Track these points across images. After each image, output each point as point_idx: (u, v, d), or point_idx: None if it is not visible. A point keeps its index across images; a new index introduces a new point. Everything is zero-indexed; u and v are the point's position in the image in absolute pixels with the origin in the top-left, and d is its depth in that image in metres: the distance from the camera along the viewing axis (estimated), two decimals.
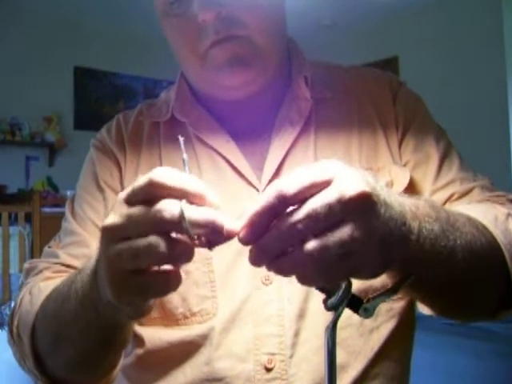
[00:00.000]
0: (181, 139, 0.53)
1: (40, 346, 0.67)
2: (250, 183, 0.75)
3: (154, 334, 0.73)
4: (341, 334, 0.69)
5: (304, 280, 0.46)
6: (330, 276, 0.45)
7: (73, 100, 5.02)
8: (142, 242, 0.45)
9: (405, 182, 0.75)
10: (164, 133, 0.83)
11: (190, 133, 0.81)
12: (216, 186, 0.75)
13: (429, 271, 0.53)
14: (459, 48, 4.46)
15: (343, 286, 0.48)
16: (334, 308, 0.49)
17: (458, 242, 0.54)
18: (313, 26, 4.83)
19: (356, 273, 0.46)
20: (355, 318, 0.50)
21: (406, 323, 0.76)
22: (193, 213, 0.44)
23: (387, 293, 0.50)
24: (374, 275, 0.47)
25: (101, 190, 0.80)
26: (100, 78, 5.17)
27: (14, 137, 4.59)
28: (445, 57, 4.54)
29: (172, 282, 0.47)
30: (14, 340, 0.72)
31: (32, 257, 3.02)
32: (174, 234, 0.45)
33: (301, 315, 0.70)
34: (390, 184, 0.75)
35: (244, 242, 0.45)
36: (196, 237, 0.45)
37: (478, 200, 0.74)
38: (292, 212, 0.44)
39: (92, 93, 5.12)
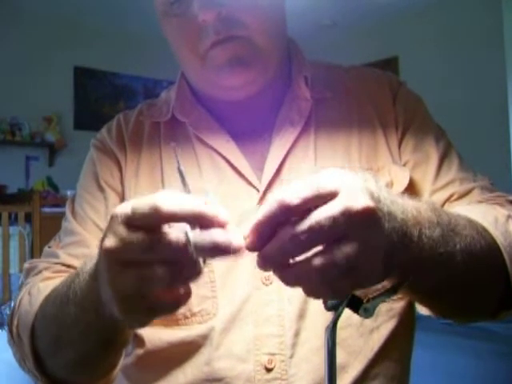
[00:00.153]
0: (175, 148, 0.52)
1: (40, 346, 0.67)
2: (250, 183, 0.75)
3: (154, 334, 0.73)
4: (341, 334, 0.69)
5: (310, 293, 0.46)
6: (334, 291, 0.46)
7: (73, 100, 5.02)
8: (147, 271, 0.44)
9: (405, 182, 0.76)
10: (164, 133, 0.83)
11: (190, 133, 0.81)
12: (216, 185, 0.76)
13: (427, 274, 0.53)
14: (459, 48, 4.46)
15: None
16: (334, 308, 0.49)
17: (458, 246, 0.55)
18: (313, 26, 4.83)
19: (360, 286, 0.46)
20: (355, 318, 0.50)
21: (406, 323, 0.76)
22: (199, 239, 0.43)
23: (387, 293, 0.50)
24: (376, 284, 0.48)
25: (101, 189, 0.80)
26: (100, 78, 5.17)
27: (14, 137, 4.59)
28: (445, 57, 4.54)
29: (181, 299, 0.47)
30: (14, 340, 0.71)
31: (32, 257, 3.02)
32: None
33: (301, 315, 0.70)
34: (389, 184, 0.75)
35: (249, 250, 0.45)
36: (202, 260, 0.45)
37: (478, 200, 0.74)
38: (295, 223, 0.43)
39: (92, 93, 5.12)
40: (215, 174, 0.77)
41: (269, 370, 0.69)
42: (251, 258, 0.46)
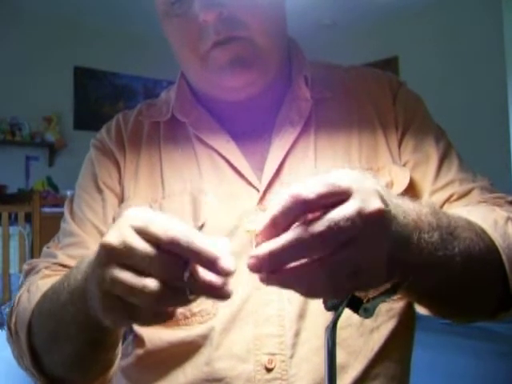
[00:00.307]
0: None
1: (36, 343, 0.67)
2: (249, 183, 0.75)
3: (155, 334, 0.73)
4: (341, 334, 0.69)
5: (308, 294, 0.46)
6: (337, 291, 0.46)
7: (73, 100, 5.02)
8: (139, 281, 0.44)
9: (405, 182, 0.76)
10: (164, 133, 0.83)
11: (189, 133, 0.81)
12: (216, 186, 0.76)
13: (425, 276, 0.54)
14: (459, 48, 4.46)
15: None
16: (334, 308, 0.49)
17: (456, 249, 0.55)
18: (313, 26, 4.83)
19: (362, 288, 0.47)
20: (355, 318, 0.50)
21: (406, 323, 0.76)
22: (198, 277, 0.44)
23: (387, 293, 0.50)
24: (378, 286, 0.48)
25: (99, 190, 0.80)
26: (100, 78, 5.17)
27: (14, 137, 4.58)
28: (445, 57, 4.54)
29: (163, 318, 0.47)
30: (13, 337, 0.72)
31: (32, 257, 3.02)
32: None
33: (301, 315, 0.70)
34: (389, 184, 0.75)
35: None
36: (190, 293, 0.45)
37: (477, 201, 0.74)
38: (312, 222, 0.43)
39: (92, 93, 5.12)
40: (215, 174, 0.77)
41: (269, 370, 0.69)
42: None
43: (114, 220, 0.78)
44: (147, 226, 0.45)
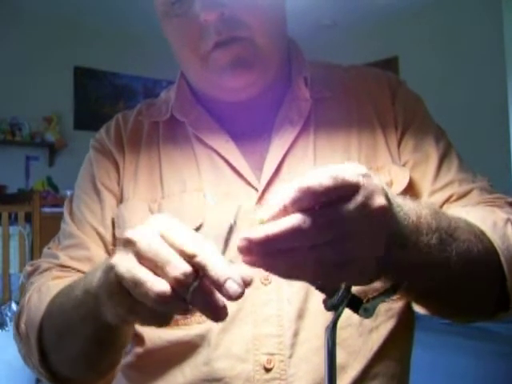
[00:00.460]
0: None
1: (46, 341, 0.68)
2: (249, 183, 0.75)
3: (154, 333, 0.74)
4: (340, 334, 0.69)
5: (291, 276, 0.46)
6: (326, 280, 0.46)
7: (73, 100, 5.02)
8: (151, 279, 0.44)
9: (404, 182, 0.76)
10: (163, 133, 0.82)
11: (189, 133, 0.81)
12: (215, 185, 0.76)
13: (423, 277, 0.54)
14: (459, 48, 4.46)
15: (343, 286, 0.48)
16: (334, 308, 0.49)
17: (455, 251, 0.55)
18: (313, 26, 4.83)
19: (351, 279, 0.47)
20: (355, 317, 0.50)
21: (406, 323, 0.76)
22: (204, 291, 0.44)
23: (387, 293, 0.50)
24: (367, 283, 0.48)
25: (98, 191, 0.80)
26: (100, 78, 5.17)
27: (14, 137, 4.58)
28: (445, 57, 4.54)
29: (158, 319, 0.47)
30: (21, 337, 0.72)
31: (32, 257, 3.02)
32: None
33: (300, 315, 0.70)
34: (389, 184, 0.75)
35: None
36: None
37: (477, 202, 0.74)
38: (313, 212, 0.43)
39: (92, 93, 5.12)
40: (214, 173, 0.77)
41: (268, 370, 0.69)
42: None
43: (112, 221, 0.78)
44: (173, 233, 0.45)
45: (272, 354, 0.69)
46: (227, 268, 0.43)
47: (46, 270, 0.78)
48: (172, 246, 0.45)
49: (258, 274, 0.70)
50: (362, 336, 0.72)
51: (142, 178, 0.80)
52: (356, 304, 0.49)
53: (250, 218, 0.46)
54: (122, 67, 5.17)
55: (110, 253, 0.78)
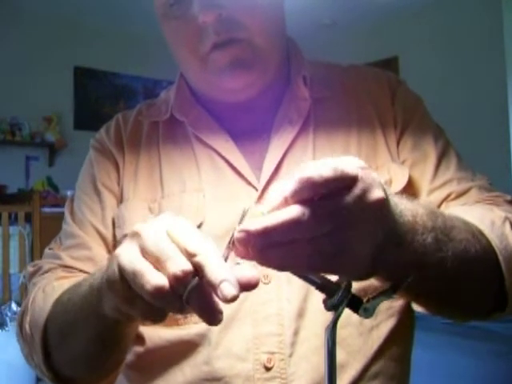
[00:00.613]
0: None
1: (50, 342, 0.68)
2: (249, 183, 0.75)
3: (154, 332, 0.74)
4: (340, 334, 0.68)
5: (282, 268, 0.46)
6: (319, 271, 0.46)
7: (73, 100, 5.02)
8: (151, 272, 0.44)
9: (403, 181, 0.76)
10: (163, 133, 0.83)
11: (189, 132, 0.81)
12: (215, 185, 0.76)
13: (419, 277, 0.53)
14: (459, 48, 4.46)
15: (343, 285, 0.48)
16: (334, 308, 0.49)
17: (451, 251, 0.55)
18: (313, 26, 4.83)
19: (344, 271, 0.46)
20: (354, 317, 0.50)
21: (406, 322, 0.76)
22: (201, 292, 0.43)
23: (387, 293, 0.50)
24: (358, 278, 0.48)
25: (98, 192, 0.81)
26: (100, 78, 5.17)
27: (14, 137, 4.59)
28: (445, 57, 4.54)
29: (153, 314, 0.47)
30: (24, 336, 0.72)
31: (32, 257, 3.02)
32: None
33: (300, 314, 0.70)
34: (388, 182, 0.75)
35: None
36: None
37: (475, 200, 0.74)
38: (311, 204, 0.43)
39: (92, 93, 5.12)
40: (214, 173, 0.77)
41: (268, 369, 0.69)
42: None
43: (113, 221, 0.79)
44: (181, 231, 0.45)
45: (272, 353, 0.69)
46: (225, 270, 0.42)
47: (48, 270, 0.78)
48: (176, 243, 0.45)
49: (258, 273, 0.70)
50: (362, 335, 0.72)
51: (141, 178, 0.80)
52: (356, 304, 0.49)
53: (251, 212, 0.46)
54: (122, 67, 5.18)
55: (111, 253, 0.78)
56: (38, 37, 4.67)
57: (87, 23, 4.86)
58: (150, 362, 0.74)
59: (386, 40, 4.96)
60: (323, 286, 0.48)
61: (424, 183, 0.77)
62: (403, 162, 0.78)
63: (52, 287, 0.72)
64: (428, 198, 0.76)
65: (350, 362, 0.71)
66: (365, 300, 0.50)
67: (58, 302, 0.68)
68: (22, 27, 4.58)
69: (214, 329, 0.70)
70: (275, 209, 0.44)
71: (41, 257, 0.83)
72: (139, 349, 0.75)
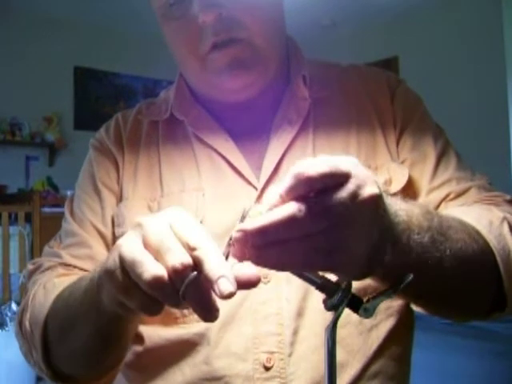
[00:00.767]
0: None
1: (50, 338, 0.68)
2: (248, 182, 0.75)
3: (154, 332, 0.74)
4: (340, 333, 0.68)
5: (278, 267, 0.45)
6: (307, 268, 0.45)
7: (73, 100, 5.02)
8: (151, 263, 0.44)
9: (403, 180, 0.76)
10: (163, 132, 0.83)
11: (188, 132, 0.81)
12: (214, 184, 0.76)
13: (417, 277, 0.53)
14: (459, 48, 4.46)
15: (343, 285, 0.48)
16: (334, 308, 0.49)
17: (448, 251, 0.55)
18: (313, 26, 4.83)
19: (338, 269, 0.46)
20: (354, 316, 0.50)
21: (405, 322, 0.76)
22: (198, 287, 0.43)
23: (387, 292, 0.50)
24: (354, 277, 0.48)
25: (98, 191, 0.81)
26: (100, 78, 5.17)
27: (14, 137, 4.59)
28: (445, 57, 4.54)
29: (149, 306, 0.46)
30: (24, 333, 0.72)
31: (32, 257, 3.02)
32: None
33: (299, 314, 0.70)
34: (388, 182, 0.75)
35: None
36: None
37: (475, 200, 0.74)
38: (306, 201, 0.43)
39: (92, 93, 5.12)
40: (214, 172, 0.77)
41: (267, 369, 0.69)
42: None
43: (112, 219, 0.79)
44: (183, 227, 0.45)
45: (272, 353, 0.69)
46: (223, 266, 0.43)
47: (48, 268, 0.78)
48: (178, 236, 0.45)
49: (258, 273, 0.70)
50: (362, 334, 0.72)
51: (141, 177, 0.80)
52: (356, 304, 0.49)
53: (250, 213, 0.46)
54: (122, 67, 5.18)
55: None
56: (38, 37, 4.67)
57: (87, 23, 4.86)
58: (149, 361, 0.74)
59: (386, 40, 4.96)
60: (323, 286, 0.48)
61: (423, 183, 0.77)
62: (403, 162, 0.78)
63: (53, 284, 0.72)
64: (427, 197, 0.76)
65: (350, 362, 0.71)
66: (365, 300, 0.49)
67: (59, 298, 0.68)
68: (22, 27, 4.58)
69: (214, 328, 0.70)
70: (273, 208, 0.44)
71: (41, 256, 0.83)
72: (138, 348, 0.75)
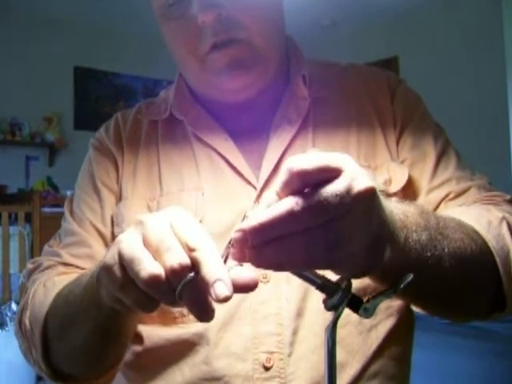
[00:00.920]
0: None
1: (50, 336, 0.68)
2: (248, 182, 0.75)
3: (153, 331, 0.74)
4: (339, 333, 0.68)
5: (279, 267, 0.45)
6: (309, 265, 0.45)
7: (73, 100, 5.02)
8: (149, 260, 0.44)
9: (403, 180, 0.75)
10: (162, 132, 0.83)
11: (188, 132, 0.81)
12: (214, 184, 0.76)
13: (415, 277, 0.53)
14: (459, 48, 4.46)
15: (343, 285, 0.48)
16: (334, 308, 0.49)
17: (446, 250, 0.55)
18: (313, 26, 4.83)
19: (337, 266, 0.46)
20: (354, 316, 0.50)
21: (405, 321, 0.76)
22: (194, 287, 0.43)
23: (386, 292, 0.50)
24: (354, 275, 0.47)
25: (97, 190, 0.81)
26: (100, 78, 5.17)
27: (14, 137, 4.59)
28: (445, 57, 4.54)
29: (144, 303, 0.47)
30: (23, 331, 0.72)
31: (32, 257, 3.02)
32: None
33: (299, 313, 0.70)
34: (388, 181, 0.75)
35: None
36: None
37: (474, 200, 0.74)
38: (302, 196, 0.43)
39: (92, 93, 5.12)
40: (213, 172, 0.77)
41: (267, 369, 0.69)
42: None
43: (112, 219, 0.79)
44: (182, 226, 0.45)
45: (271, 353, 0.69)
46: (221, 269, 0.42)
47: (48, 267, 0.78)
48: (178, 236, 0.45)
49: (256, 272, 0.70)
50: (362, 334, 0.72)
51: (140, 176, 0.80)
52: (356, 304, 0.49)
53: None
54: (122, 67, 5.18)
55: None
56: (38, 37, 4.67)
57: (87, 23, 4.86)
58: (148, 361, 0.74)
59: (386, 40, 4.96)
60: (323, 286, 0.48)
61: (423, 182, 0.77)
62: (402, 162, 0.78)
63: (53, 282, 0.72)
64: (427, 197, 0.76)
65: (350, 362, 0.71)
66: (365, 300, 0.49)
67: (59, 296, 0.68)
68: (22, 27, 4.58)
69: (213, 328, 0.70)
70: (269, 205, 0.44)
71: (41, 255, 0.83)
72: (138, 348, 0.75)
